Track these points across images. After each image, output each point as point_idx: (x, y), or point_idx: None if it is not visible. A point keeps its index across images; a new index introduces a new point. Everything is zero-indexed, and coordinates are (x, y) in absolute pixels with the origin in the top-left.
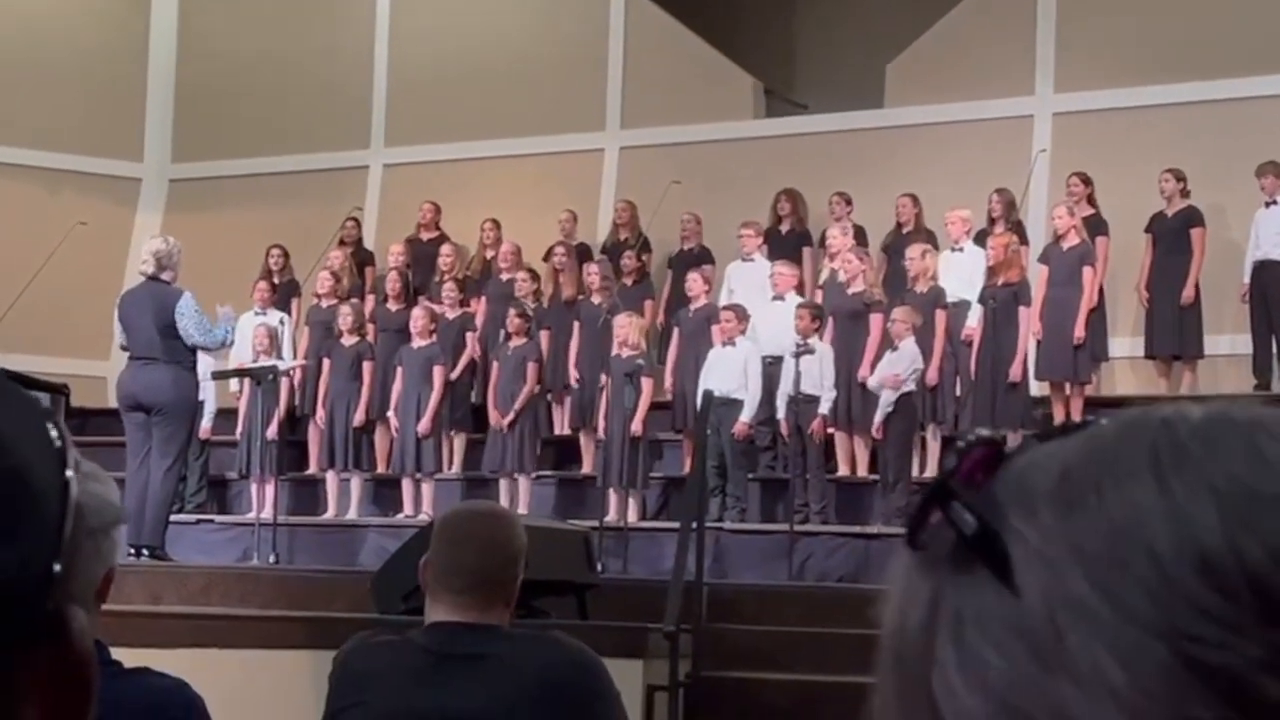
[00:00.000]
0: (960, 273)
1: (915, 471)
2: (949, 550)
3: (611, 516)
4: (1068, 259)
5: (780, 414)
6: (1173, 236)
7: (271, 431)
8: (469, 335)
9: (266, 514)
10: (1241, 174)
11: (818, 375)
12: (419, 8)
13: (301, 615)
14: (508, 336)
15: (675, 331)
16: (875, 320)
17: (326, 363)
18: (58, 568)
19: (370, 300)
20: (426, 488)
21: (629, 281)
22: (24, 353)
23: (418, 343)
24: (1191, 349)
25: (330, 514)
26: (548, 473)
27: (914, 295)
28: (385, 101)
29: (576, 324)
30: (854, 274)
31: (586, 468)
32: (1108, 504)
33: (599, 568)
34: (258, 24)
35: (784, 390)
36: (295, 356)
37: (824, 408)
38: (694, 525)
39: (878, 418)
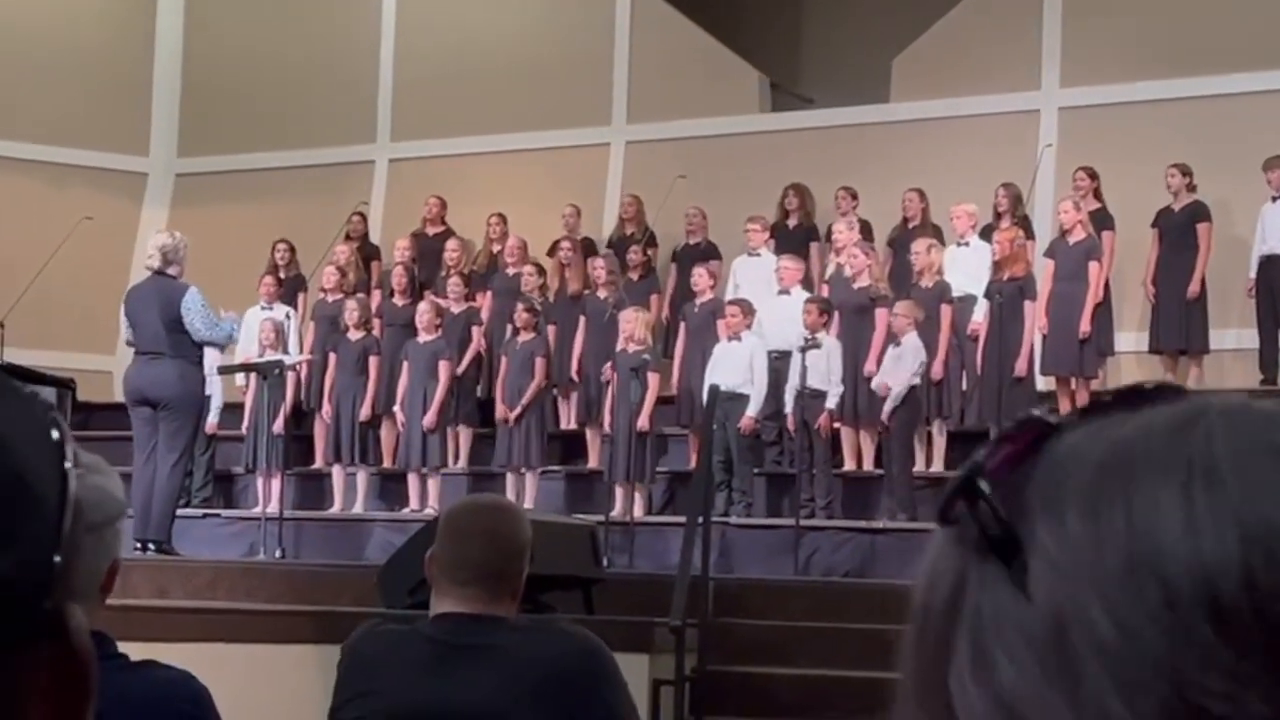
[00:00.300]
0: (966, 267)
1: (920, 465)
2: (975, 537)
3: (617, 511)
4: (1073, 253)
5: (788, 409)
6: (1179, 231)
7: (278, 426)
8: (474, 330)
9: (273, 508)
10: (1248, 168)
11: (824, 370)
12: (424, 3)
13: (308, 609)
14: (515, 331)
15: (681, 326)
16: (881, 315)
17: (332, 357)
18: (57, 564)
19: (376, 295)
20: (432, 482)
21: (635, 276)
22: (30, 347)
23: (424, 337)
24: (1197, 344)
25: (336, 508)
26: (554, 467)
27: (919, 290)
28: (391, 96)
29: (582, 319)
30: (860, 269)
31: (593, 462)
32: (1133, 519)
33: (605, 562)
34: (264, 19)
35: (791, 385)
36: (301, 351)
37: (831, 402)
38: (700, 520)
39: (887, 409)
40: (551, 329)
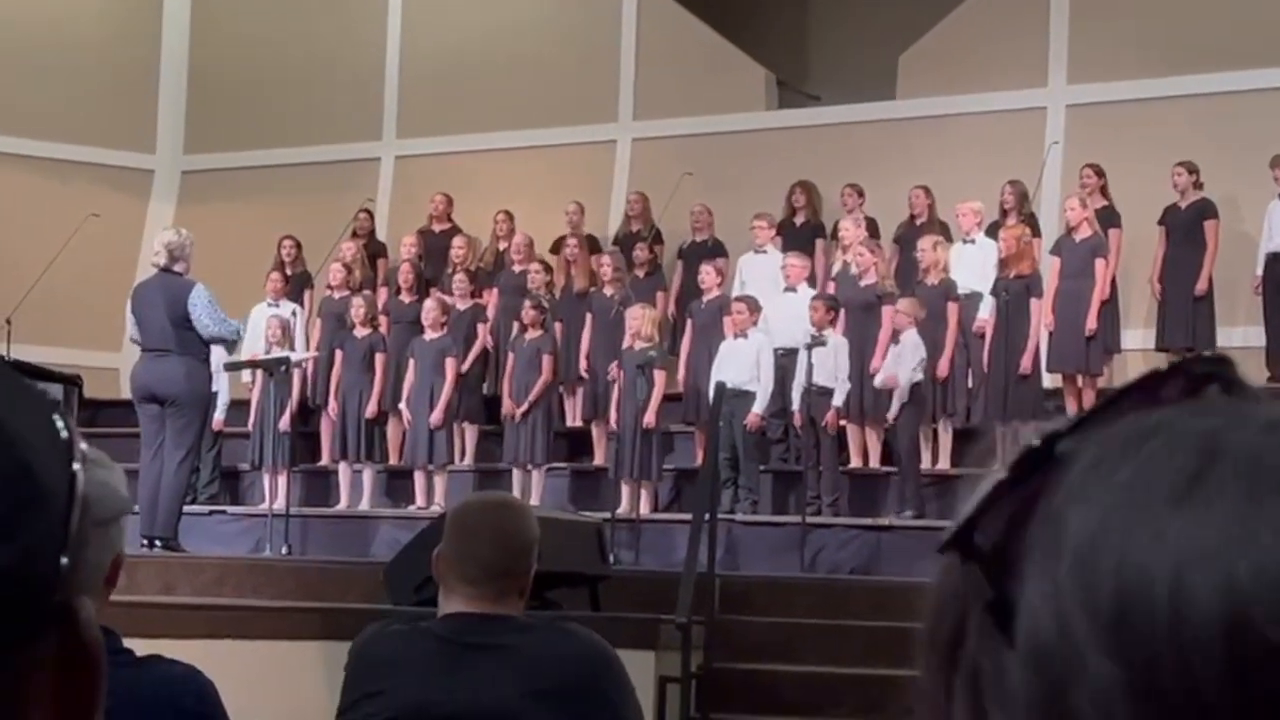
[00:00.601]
0: (972, 265)
1: (927, 463)
2: (974, 584)
3: (624, 508)
4: (1080, 251)
5: (794, 406)
6: (1185, 228)
7: (284, 423)
8: (480, 327)
9: (279, 505)
10: (1255, 166)
11: (831, 367)
12: (431, 0)
13: (314, 606)
14: (522, 328)
15: (688, 323)
16: (887, 312)
17: (339, 354)
18: (65, 561)
19: (383, 292)
20: (439, 479)
21: (641, 273)
22: (37, 344)
23: (430, 335)
24: (1204, 341)
25: (342, 505)
26: (560, 464)
27: (925, 287)
28: (397, 93)
29: (589, 315)
30: (866, 266)
31: (599, 459)
32: (1124, 582)
33: (611, 559)
34: (270, 16)
35: (797, 382)
36: (308, 348)
37: (838, 399)
38: (706, 517)
39: (894, 407)
40: (558, 326)
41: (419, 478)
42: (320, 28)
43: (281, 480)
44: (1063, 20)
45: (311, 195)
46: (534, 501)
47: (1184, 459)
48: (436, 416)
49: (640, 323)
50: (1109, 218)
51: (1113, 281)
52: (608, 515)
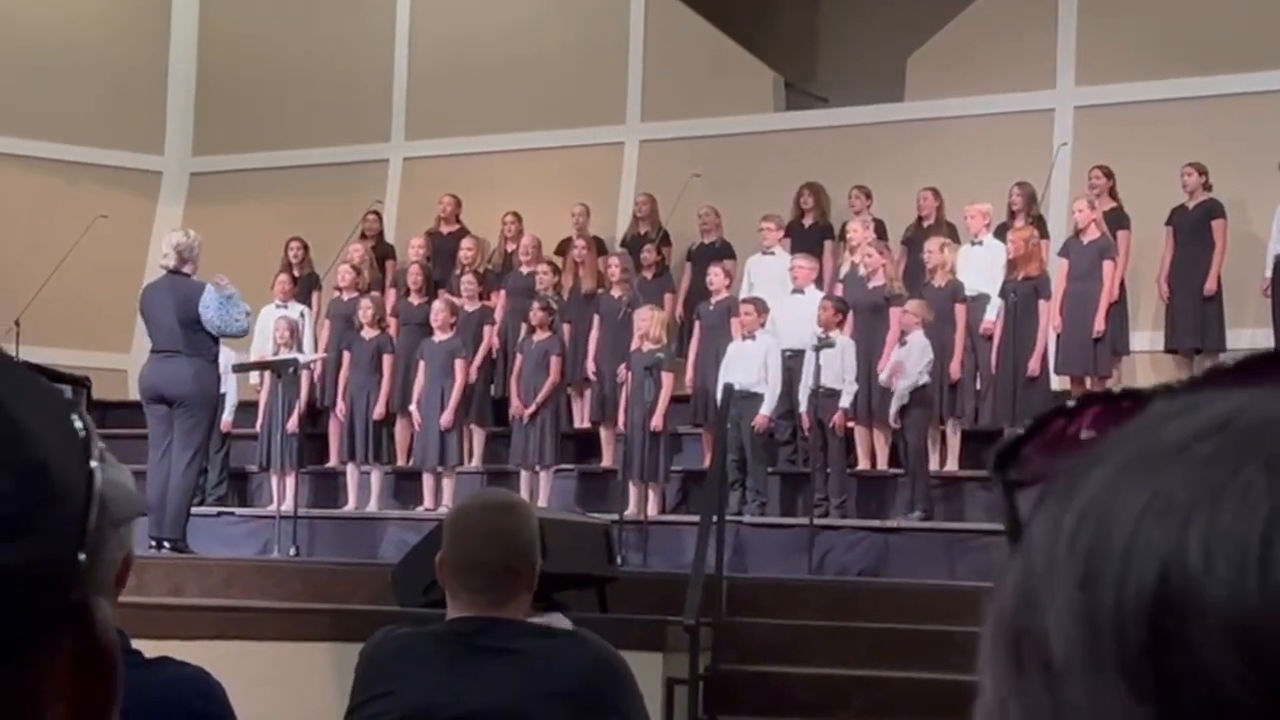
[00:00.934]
0: (980, 267)
1: (935, 465)
2: (1000, 496)
3: (632, 510)
4: (1088, 252)
5: (802, 407)
6: (1194, 230)
7: (292, 424)
8: (487, 328)
9: (287, 506)
10: (1263, 167)
11: (838, 369)
12: (439, 1)
13: (322, 607)
14: (530, 330)
15: (696, 325)
16: (895, 314)
17: (347, 356)
18: (83, 558)
19: (391, 293)
20: (446, 480)
21: (649, 275)
22: (45, 345)
23: (439, 336)
24: (1213, 343)
25: (350, 507)
26: (568, 466)
27: (932, 289)
28: (405, 95)
29: (596, 317)
30: (874, 268)
31: (607, 461)
32: (1102, 534)
33: (619, 561)
34: (278, 18)
35: (805, 384)
36: (316, 349)
37: (845, 401)
38: (714, 519)
39: (893, 407)
40: (566, 328)
41: (427, 479)
42: (328, 29)
43: (289, 481)
44: (1071, 21)
45: (320, 197)
46: (541, 503)
47: (1198, 425)
48: (447, 418)
49: (648, 324)
50: (1118, 219)
51: (1121, 283)
52: (615, 517)
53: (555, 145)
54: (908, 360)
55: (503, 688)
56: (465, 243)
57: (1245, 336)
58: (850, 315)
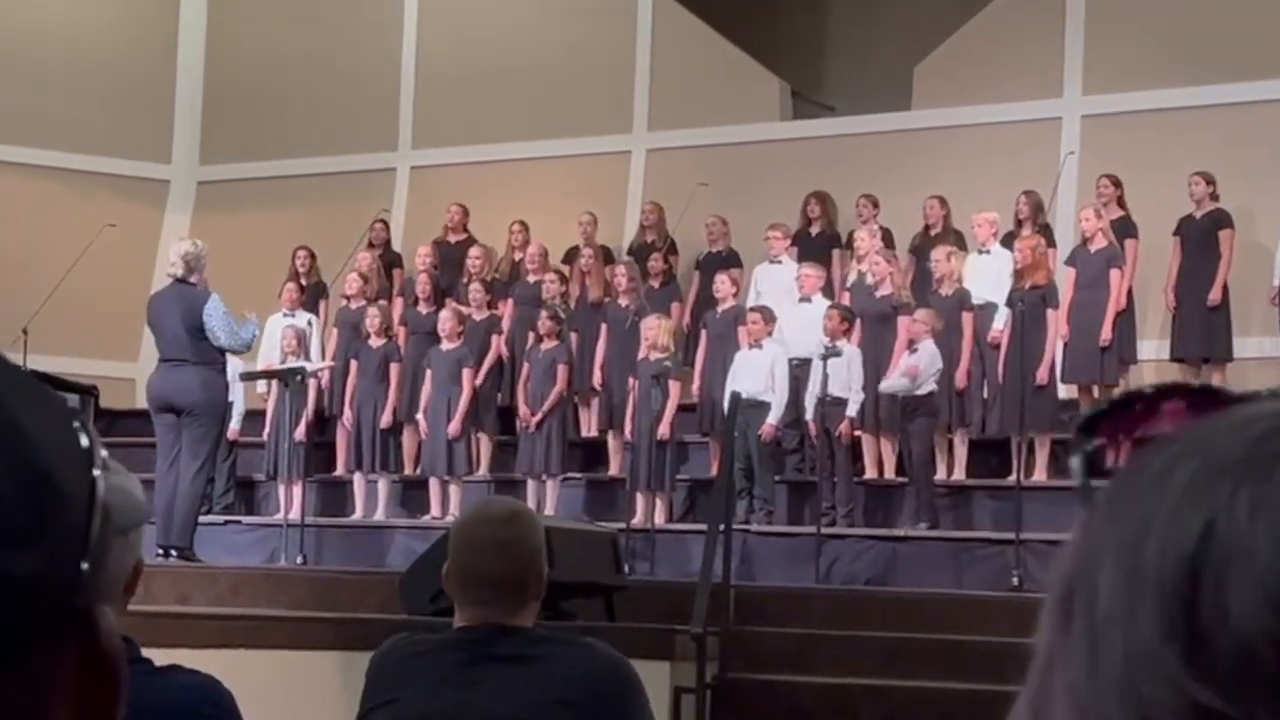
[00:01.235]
0: (987, 275)
1: (942, 474)
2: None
3: (639, 518)
4: (1095, 261)
5: (809, 416)
6: (1201, 239)
7: (299, 433)
8: (495, 337)
9: (294, 515)
10: (1271, 176)
11: (845, 377)
12: (446, 10)
13: (329, 616)
14: (538, 339)
15: (703, 333)
16: (903, 323)
17: (354, 364)
18: (86, 567)
19: (398, 302)
20: (454, 489)
21: (656, 284)
22: (53, 354)
23: (446, 345)
24: (1220, 351)
25: (358, 515)
26: (575, 475)
27: (938, 298)
28: (413, 104)
29: (604, 326)
30: (881, 276)
31: (614, 470)
32: (1152, 508)
33: (626, 569)
34: (286, 27)
35: (812, 392)
36: (323, 358)
37: (852, 410)
38: (721, 527)
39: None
40: (573, 336)
41: (434, 487)
42: (336, 38)
43: (296, 490)
44: (1078, 30)
45: (327, 206)
46: (549, 511)
47: (1257, 412)
48: (454, 427)
49: (655, 333)
50: (1125, 228)
51: (1129, 292)
52: (623, 525)
53: (562, 154)
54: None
55: (510, 696)
56: (473, 251)
57: (1252, 345)
58: (857, 324)
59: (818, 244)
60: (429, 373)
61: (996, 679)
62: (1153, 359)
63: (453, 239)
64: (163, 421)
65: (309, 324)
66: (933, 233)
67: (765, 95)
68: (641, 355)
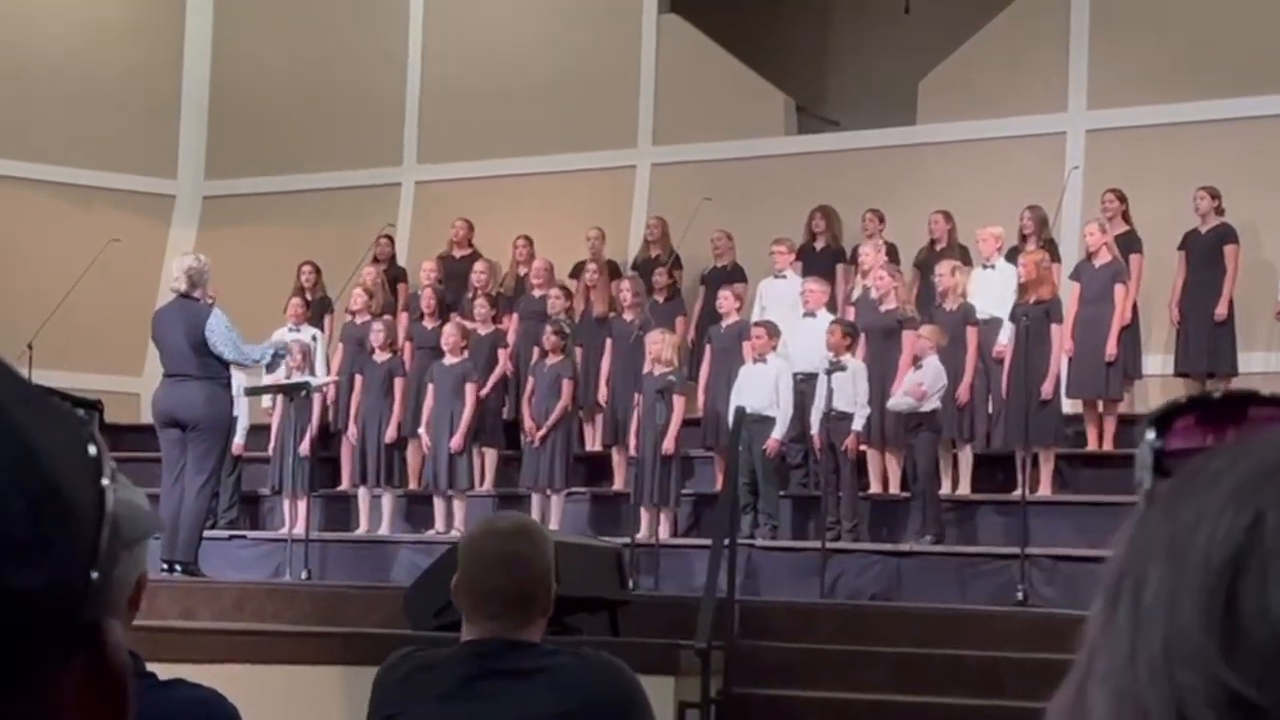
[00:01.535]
0: (992, 290)
1: (946, 489)
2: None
3: (643, 533)
4: (1100, 276)
5: (814, 431)
6: (1206, 253)
7: (304, 448)
8: (500, 352)
9: (299, 530)
10: (1276, 190)
11: (850, 392)
12: (452, 26)
13: (334, 631)
14: (543, 354)
15: (707, 348)
16: (908, 337)
17: (359, 379)
18: (94, 578)
19: (403, 317)
20: (458, 503)
21: (660, 298)
22: (58, 369)
23: (450, 359)
24: (1225, 366)
25: (362, 530)
26: (580, 489)
27: (943, 313)
28: (417, 119)
29: (608, 341)
30: (886, 291)
31: (618, 484)
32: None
33: (631, 584)
34: (291, 42)
35: (817, 407)
36: (328, 373)
37: (857, 424)
38: (726, 542)
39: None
40: (578, 351)
41: (438, 502)
42: (341, 54)
43: (301, 505)
44: (1082, 45)
45: (332, 220)
46: (553, 526)
47: None
48: (456, 442)
49: (660, 348)
50: (1130, 243)
51: (1134, 307)
52: (627, 540)
53: (567, 169)
54: (924, 382)
55: (516, 709)
56: (477, 266)
57: (1258, 360)
58: (861, 338)
59: (822, 259)
60: (431, 387)
61: (1001, 694)
62: (1157, 374)
63: (458, 254)
64: (167, 436)
65: (314, 339)
66: (937, 247)
67: (770, 110)
68: (646, 370)
